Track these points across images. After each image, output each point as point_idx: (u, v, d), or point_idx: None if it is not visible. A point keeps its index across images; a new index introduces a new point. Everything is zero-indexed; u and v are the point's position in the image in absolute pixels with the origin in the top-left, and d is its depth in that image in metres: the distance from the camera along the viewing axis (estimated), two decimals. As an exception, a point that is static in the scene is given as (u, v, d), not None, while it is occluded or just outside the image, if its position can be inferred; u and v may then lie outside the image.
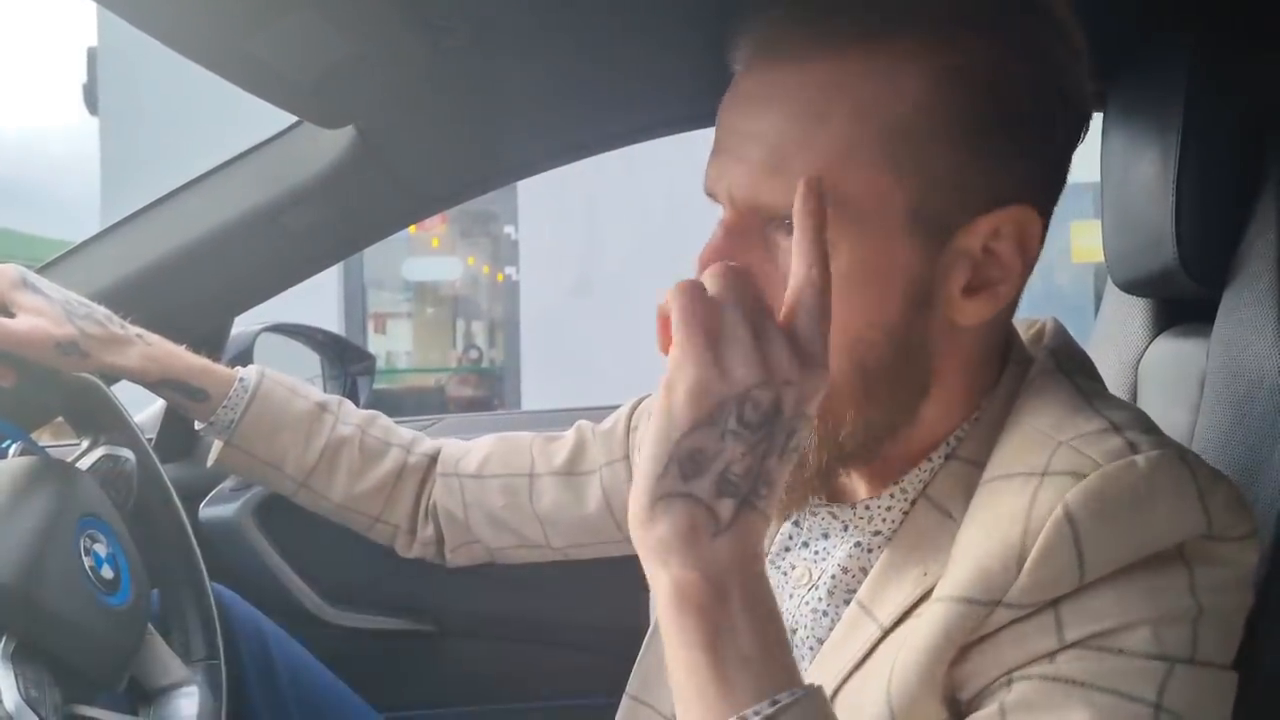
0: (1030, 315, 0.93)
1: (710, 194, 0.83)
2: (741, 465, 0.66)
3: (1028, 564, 0.72)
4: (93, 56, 8.15)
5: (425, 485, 1.36)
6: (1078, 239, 8.55)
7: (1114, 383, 1.26)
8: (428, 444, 1.39)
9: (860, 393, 0.81)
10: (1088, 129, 0.84)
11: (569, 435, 1.31)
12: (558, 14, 1.21)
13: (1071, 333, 0.91)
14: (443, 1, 1.14)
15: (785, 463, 0.68)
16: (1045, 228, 0.82)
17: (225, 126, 3.13)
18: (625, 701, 1.03)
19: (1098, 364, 1.31)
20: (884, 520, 0.87)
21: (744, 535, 0.66)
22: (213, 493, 1.64)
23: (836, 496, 0.92)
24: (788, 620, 0.91)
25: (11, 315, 1.13)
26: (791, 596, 0.92)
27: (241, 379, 1.29)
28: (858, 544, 0.88)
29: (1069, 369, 0.84)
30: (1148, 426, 0.77)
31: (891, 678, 0.77)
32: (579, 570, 1.32)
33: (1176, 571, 0.72)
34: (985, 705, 0.73)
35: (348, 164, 1.43)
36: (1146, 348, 1.25)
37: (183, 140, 5.32)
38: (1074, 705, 0.70)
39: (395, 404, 8.06)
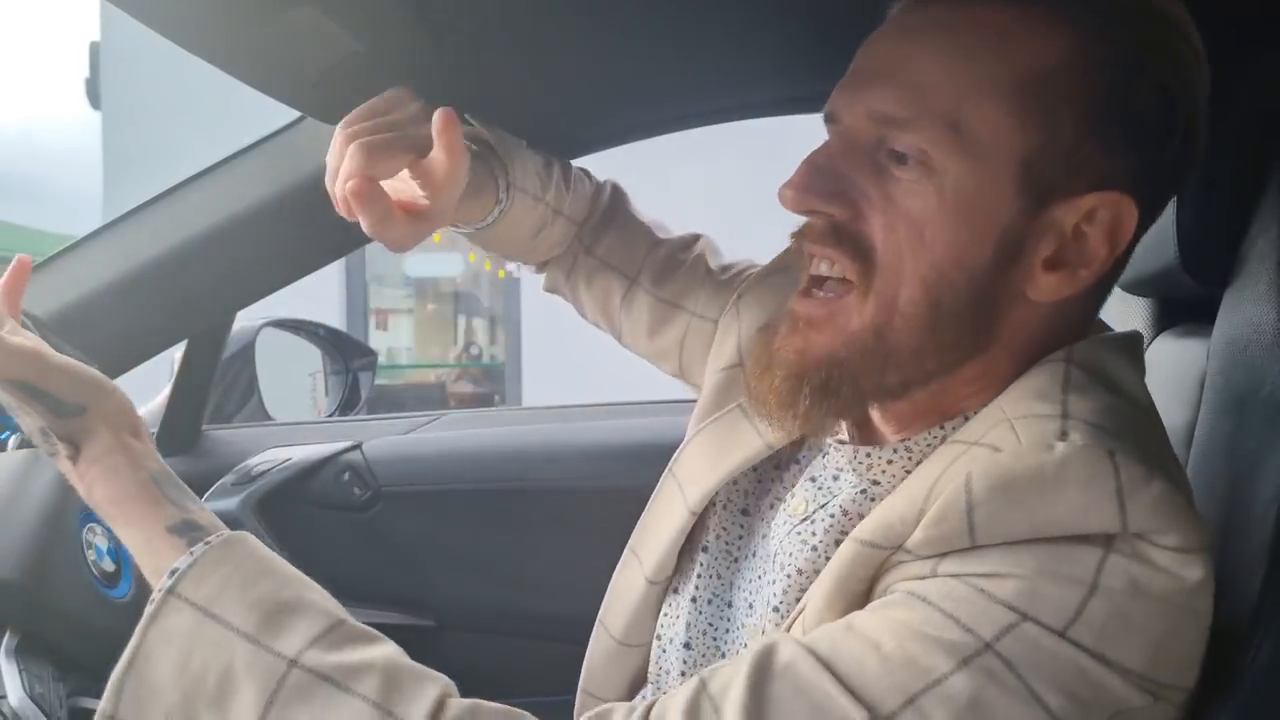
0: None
1: (831, 115, 0.87)
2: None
3: (923, 520, 0.75)
4: (95, 51, 8.14)
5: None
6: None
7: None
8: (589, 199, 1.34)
9: (925, 329, 0.83)
10: (1195, 168, 0.87)
11: (684, 266, 1.28)
12: (561, 13, 1.21)
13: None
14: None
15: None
16: (1140, 231, 0.84)
17: (227, 121, 3.14)
18: (625, 554, 1.13)
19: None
20: (883, 472, 0.90)
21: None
22: (214, 487, 1.64)
23: (868, 438, 0.95)
24: (772, 545, 0.97)
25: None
26: (785, 523, 0.96)
27: (502, 199, 1.19)
28: (863, 491, 0.91)
29: (1074, 358, 0.84)
30: (1101, 422, 0.76)
31: (806, 609, 0.82)
32: (580, 565, 1.32)
33: (1087, 551, 0.71)
34: None
35: (351, 160, 1.43)
36: (1148, 347, 1.25)
37: (185, 135, 5.32)
38: (911, 610, 0.73)
39: (396, 400, 8.07)
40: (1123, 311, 1.31)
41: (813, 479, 0.98)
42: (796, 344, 0.87)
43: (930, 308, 0.82)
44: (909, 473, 0.87)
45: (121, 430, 0.89)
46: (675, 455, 1.10)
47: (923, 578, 0.75)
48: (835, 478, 0.96)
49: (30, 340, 0.88)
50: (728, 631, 1.02)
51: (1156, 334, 1.25)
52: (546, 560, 1.37)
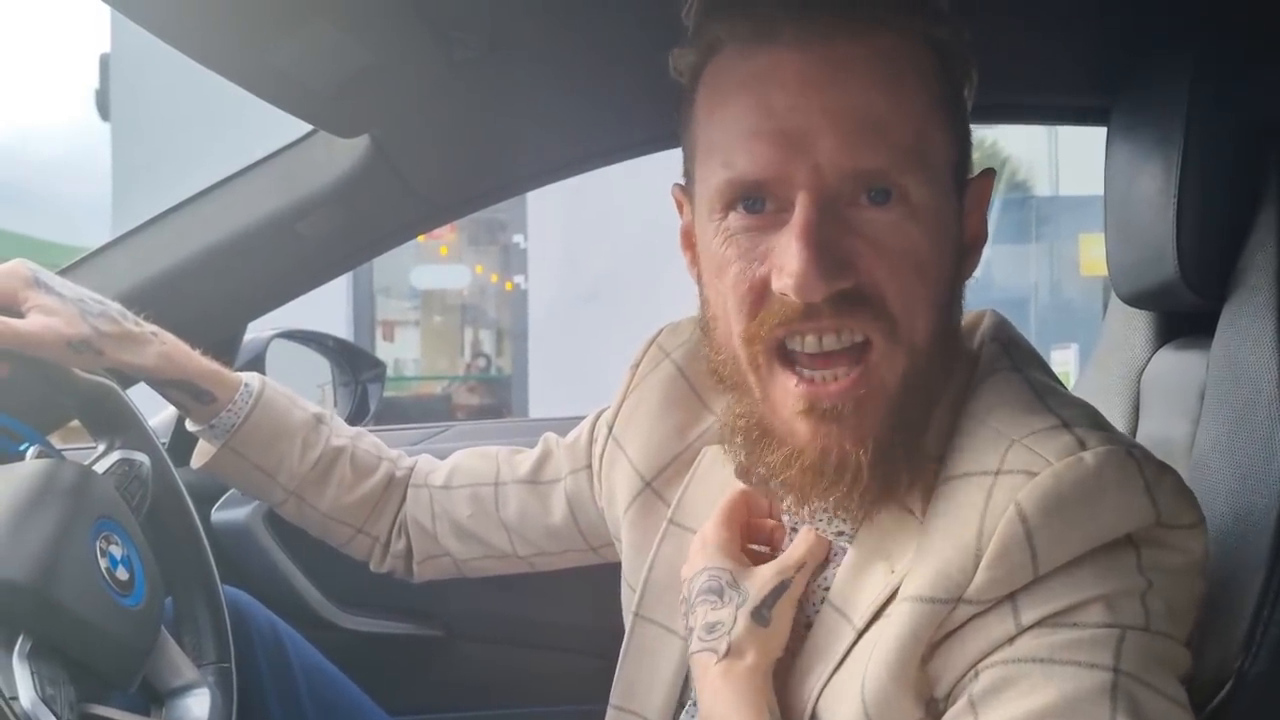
0: (1042, 327, 0.95)
1: (768, 182, 0.82)
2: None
3: (984, 562, 0.75)
4: (105, 62, 8.18)
5: (406, 499, 1.37)
6: (1087, 252, 8.54)
7: (1117, 394, 1.27)
8: (409, 460, 1.40)
9: (939, 353, 0.84)
10: None
11: (536, 447, 1.32)
12: (571, 26, 1.23)
13: (1080, 344, 0.93)
14: (458, 13, 1.16)
15: None
16: None
17: (237, 132, 3.15)
18: (610, 713, 1.05)
19: (1102, 376, 1.32)
20: (843, 519, 0.89)
21: None
22: (225, 496, 1.65)
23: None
24: None
25: (22, 314, 1.13)
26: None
27: (246, 384, 1.29)
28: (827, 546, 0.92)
29: (1021, 364, 0.87)
30: (1097, 422, 0.80)
31: (865, 678, 0.80)
32: (587, 575, 1.33)
33: (1125, 553, 0.75)
34: (957, 701, 0.77)
35: (362, 172, 1.45)
36: (1149, 360, 1.26)
37: (195, 146, 5.34)
38: (1036, 681, 0.73)
39: (402, 411, 8.07)
40: (1126, 324, 1.32)
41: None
42: (849, 429, 0.82)
43: (942, 330, 0.85)
44: (865, 514, 0.87)
45: (769, 663, 0.88)
46: (636, 600, 1.05)
47: (1011, 639, 0.75)
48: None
49: None
50: None
51: (1157, 348, 1.25)
52: (555, 570, 1.37)
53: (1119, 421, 1.24)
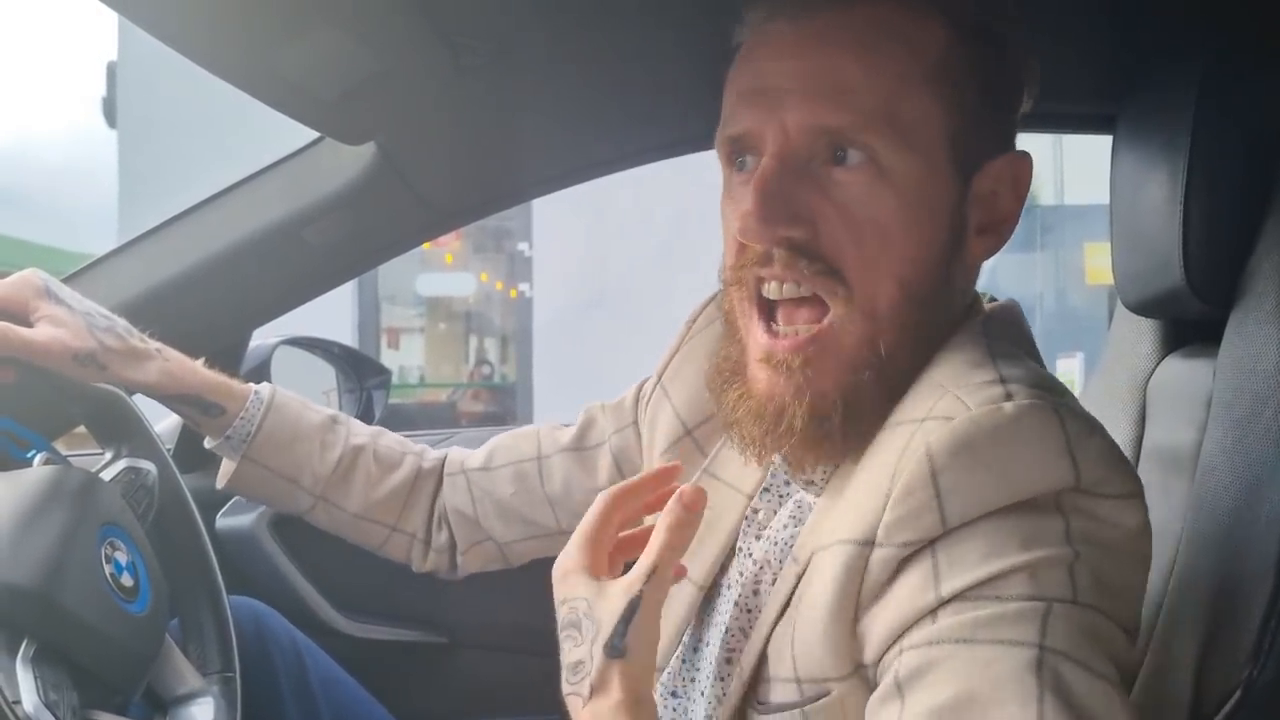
0: (1047, 336, 0.94)
1: (747, 137, 0.87)
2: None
3: (889, 501, 0.75)
4: (112, 70, 8.21)
5: (439, 490, 1.35)
6: (1092, 260, 8.53)
7: (1124, 402, 1.27)
8: (437, 451, 1.39)
9: (910, 325, 0.85)
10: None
11: (577, 418, 1.32)
12: (577, 33, 1.23)
13: (1084, 354, 0.93)
14: (464, 20, 1.16)
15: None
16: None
17: (243, 139, 3.16)
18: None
19: (1108, 384, 1.32)
20: (815, 472, 0.91)
21: None
22: (229, 503, 1.65)
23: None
24: (757, 558, 0.96)
25: (31, 323, 1.14)
26: (759, 538, 0.98)
27: (256, 393, 1.29)
28: (798, 503, 0.94)
29: (991, 333, 0.87)
30: (1037, 382, 0.79)
31: (795, 628, 0.81)
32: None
33: (1051, 520, 0.74)
34: (884, 678, 0.75)
35: (368, 180, 1.45)
36: (1155, 368, 1.26)
37: (200, 153, 5.35)
38: (960, 663, 0.71)
39: (407, 418, 8.08)
40: (1132, 332, 1.31)
41: (767, 489, 1.00)
42: (794, 383, 0.85)
43: (909, 303, 0.85)
44: (836, 466, 0.88)
45: (639, 691, 0.85)
46: None
47: (933, 613, 0.74)
48: (787, 482, 0.97)
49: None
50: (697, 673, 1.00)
51: (1164, 355, 1.25)
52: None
53: (1125, 429, 1.23)
